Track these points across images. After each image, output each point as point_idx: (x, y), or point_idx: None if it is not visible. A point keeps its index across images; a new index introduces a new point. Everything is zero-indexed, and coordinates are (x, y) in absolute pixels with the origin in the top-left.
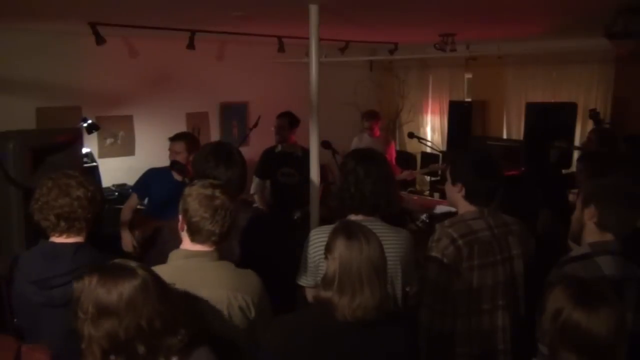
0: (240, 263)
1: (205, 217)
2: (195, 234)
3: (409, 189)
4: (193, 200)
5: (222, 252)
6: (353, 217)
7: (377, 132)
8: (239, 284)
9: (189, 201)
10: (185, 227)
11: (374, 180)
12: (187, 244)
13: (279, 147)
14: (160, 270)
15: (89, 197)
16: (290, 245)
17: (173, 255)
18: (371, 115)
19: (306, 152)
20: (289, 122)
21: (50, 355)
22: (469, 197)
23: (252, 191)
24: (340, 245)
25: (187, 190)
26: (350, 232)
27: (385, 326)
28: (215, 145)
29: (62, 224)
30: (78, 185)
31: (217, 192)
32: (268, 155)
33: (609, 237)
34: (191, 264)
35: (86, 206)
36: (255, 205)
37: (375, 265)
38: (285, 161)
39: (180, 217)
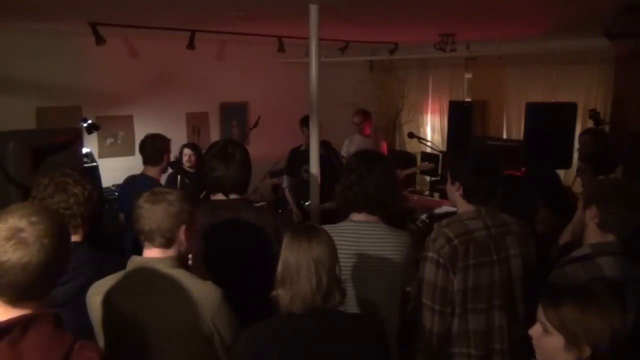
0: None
1: (145, 216)
2: (141, 235)
3: (409, 189)
4: (139, 204)
5: (181, 259)
6: (355, 217)
7: (367, 131)
8: (192, 294)
9: (137, 204)
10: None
11: (378, 178)
12: (145, 250)
13: (304, 146)
14: (118, 277)
15: (85, 195)
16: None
17: (130, 262)
18: (363, 113)
19: (330, 151)
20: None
21: (102, 354)
22: (467, 196)
23: (284, 185)
24: (285, 244)
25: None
26: (294, 231)
27: (334, 317)
28: (217, 144)
29: None
30: (75, 183)
31: (167, 195)
32: (294, 153)
33: (610, 237)
34: (144, 271)
35: (82, 203)
36: (260, 204)
37: (315, 259)
38: (307, 159)
39: None
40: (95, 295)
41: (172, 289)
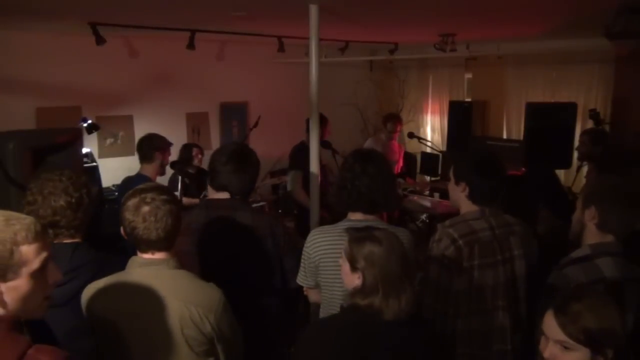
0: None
1: (136, 227)
2: (136, 244)
3: (409, 189)
4: (124, 210)
5: (180, 260)
6: (353, 217)
7: (396, 138)
8: (195, 296)
9: (122, 211)
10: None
11: (371, 177)
12: (139, 253)
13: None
14: (119, 277)
15: (72, 205)
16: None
17: (131, 263)
18: (397, 118)
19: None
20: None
21: (60, 358)
22: (472, 197)
23: (289, 187)
24: (373, 251)
25: (122, 200)
26: (376, 238)
27: (417, 318)
28: (232, 145)
29: (49, 231)
30: (61, 192)
31: (147, 198)
32: (299, 148)
33: (609, 238)
34: (148, 272)
35: (69, 215)
36: (260, 204)
37: (407, 262)
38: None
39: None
40: (92, 297)
41: (177, 287)
